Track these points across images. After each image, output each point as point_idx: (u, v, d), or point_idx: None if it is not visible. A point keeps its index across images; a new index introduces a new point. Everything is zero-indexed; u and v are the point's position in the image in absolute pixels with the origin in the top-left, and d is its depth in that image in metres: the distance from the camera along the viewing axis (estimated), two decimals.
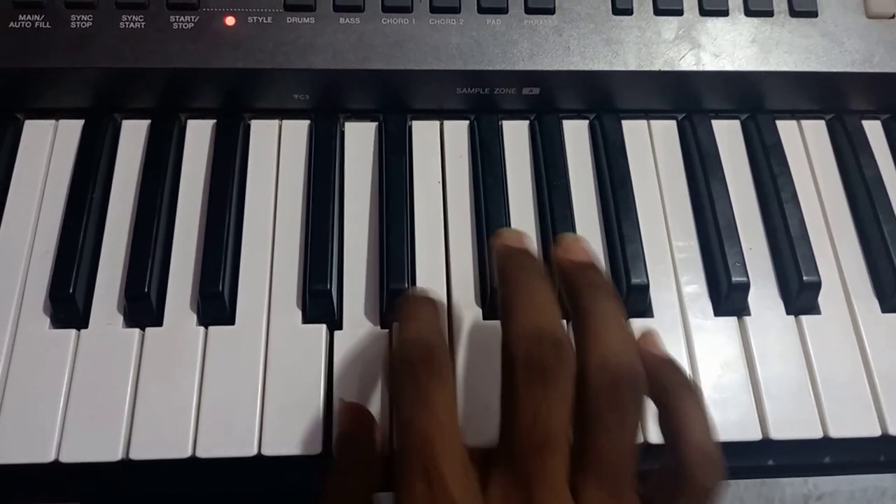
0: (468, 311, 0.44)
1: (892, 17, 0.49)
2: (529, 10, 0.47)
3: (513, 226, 0.46)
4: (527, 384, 0.29)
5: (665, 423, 0.32)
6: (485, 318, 0.43)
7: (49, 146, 0.47)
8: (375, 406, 0.40)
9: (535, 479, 0.28)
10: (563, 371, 0.29)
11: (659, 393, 0.32)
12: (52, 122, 0.48)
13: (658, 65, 0.47)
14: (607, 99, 0.49)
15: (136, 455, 0.39)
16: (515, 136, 0.50)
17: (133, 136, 0.48)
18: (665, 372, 0.33)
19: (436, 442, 0.29)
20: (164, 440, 0.39)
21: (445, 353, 0.31)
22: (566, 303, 0.33)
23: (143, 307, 0.42)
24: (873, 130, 0.51)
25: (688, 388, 0.32)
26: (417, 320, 0.33)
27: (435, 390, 0.30)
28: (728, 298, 0.44)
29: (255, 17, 0.46)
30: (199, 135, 0.48)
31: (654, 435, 0.38)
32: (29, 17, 0.45)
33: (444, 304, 0.38)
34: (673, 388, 0.32)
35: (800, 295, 0.44)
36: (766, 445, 0.42)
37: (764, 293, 0.45)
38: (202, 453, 0.39)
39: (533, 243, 0.36)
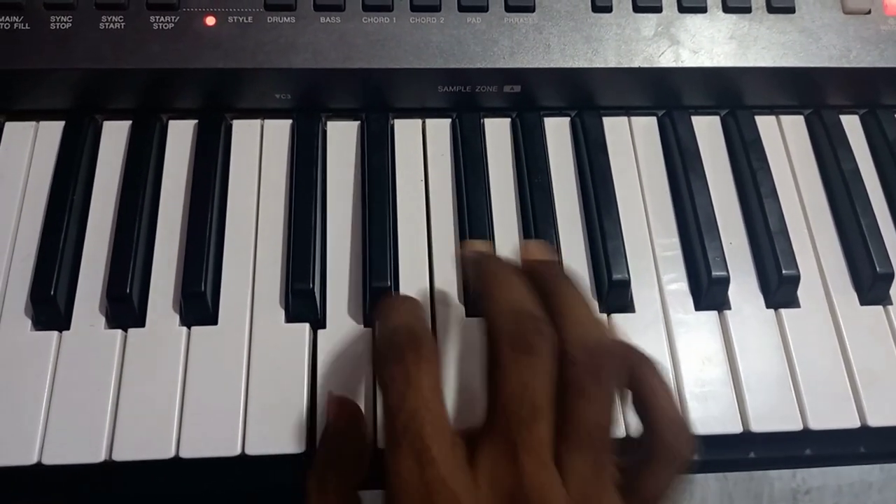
0: (451, 308, 0.44)
1: (869, 12, 0.49)
2: (510, 9, 0.47)
3: (495, 224, 0.46)
4: (511, 358, 0.30)
5: (636, 397, 0.33)
6: (468, 315, 0.44)
7: (30, 148, 0.47)
8: (360, 404, 0.40)
9: (522, 449, 0.29)
10: (545, 343, 0.31)
11: (627, 370, 0.33)
12: (33, 123, 0.48)
13: (637, 62, 0.48)
14: (588, 96, 0.50)
15: (119, 456, 0.39)
16: (497, 133, 0.50)
17: (114, 136, 0.48)
18: (630, 351, 0.34)
19: (424, 421, 0.29)
20: (147, 441, 0.39)
21: (430, 338, 0.33)
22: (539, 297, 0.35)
23: (125, 308, 0.42)
24: (851, 125, 0.51)
25: (651, 364, 0.34)
26: (401, 310, 0.35)
27: (422, 372, 0.31)
28: (708, 293, 0.44)
29: (235, 17, 0.46)
30: (180, 135, 0.48)
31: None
32: (8, 18, 0.45)
33: (422, 303, 0.39)
34: (638, 363, 0.33)
35: (779, 288, 0.44)
36: (748, 438, 0.42)
37: (744, 287, 0.45)
38: (186, 453, 0.39)
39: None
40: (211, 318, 0.43)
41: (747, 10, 0.49)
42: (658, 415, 0.32)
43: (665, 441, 0.32)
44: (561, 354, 0.31)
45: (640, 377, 0.33)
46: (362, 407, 0.40)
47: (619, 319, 0.44)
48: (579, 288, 0.34)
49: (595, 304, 0.35)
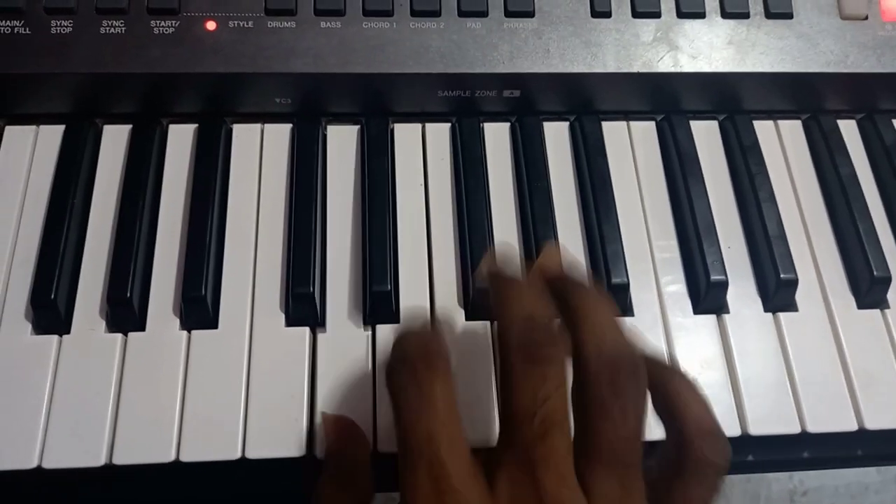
0: (451, 313, 0.44)
1: (866, 18, 0.50)
2: (509, 14, 0.48)
3: (494, 228, 0.46)
4: (522, 370, 0.29)
5: (662, 405, 0.32)
6: (468, 319, 0.44)
7: (30, 152, 0.47)
8: (362, 407, 0.41)
9: (540, 465, 0.28)
10: (557, 352, 0.30)
11: (651, 377, 0.31)
12: (33, 127, 0.48)
13: (636, 66, 0.48)
14: (587, 100, 0.50)
15: (119, 460, 0.39)
16: (497, 138, 0.50)
17: (114, 141, 0.48)
18: (652, 359, 0.32)
19: (440, 439, 0.29)
20: (147, 445, 0.39)
21: (444, 351, 0.31)
22: (556, 306, 0.33)
23: (125, 312, 0.42)
24: (848, 130, 0.52)
25: (677, 371, 0.32)
26: (416, 322, 0.34)
27: (436, 388, 0.30)
28: (707, 297, 0.45)
29: (236, 22, 0.46)
30: (181, 139, 0.48)
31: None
32: (8, 22, 0.45)
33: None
34: (663, 370, 0.32)
35: (777, 292, 0.45)
36: (746, 441, 0.42)
37: (742, 291, 0.46)
38: (186, 457, 0.39)
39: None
40: (211, 322, 0.43)
41: (745, 15, 0.49)
42: (690, 426, 0.30)
43: (699, 453, 0.30)
44: (582, 368, 0.30)
45: (666, 385, 0.31)
46: (364, 410, 0.40)
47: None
48: (599, 293, 0.32)
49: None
